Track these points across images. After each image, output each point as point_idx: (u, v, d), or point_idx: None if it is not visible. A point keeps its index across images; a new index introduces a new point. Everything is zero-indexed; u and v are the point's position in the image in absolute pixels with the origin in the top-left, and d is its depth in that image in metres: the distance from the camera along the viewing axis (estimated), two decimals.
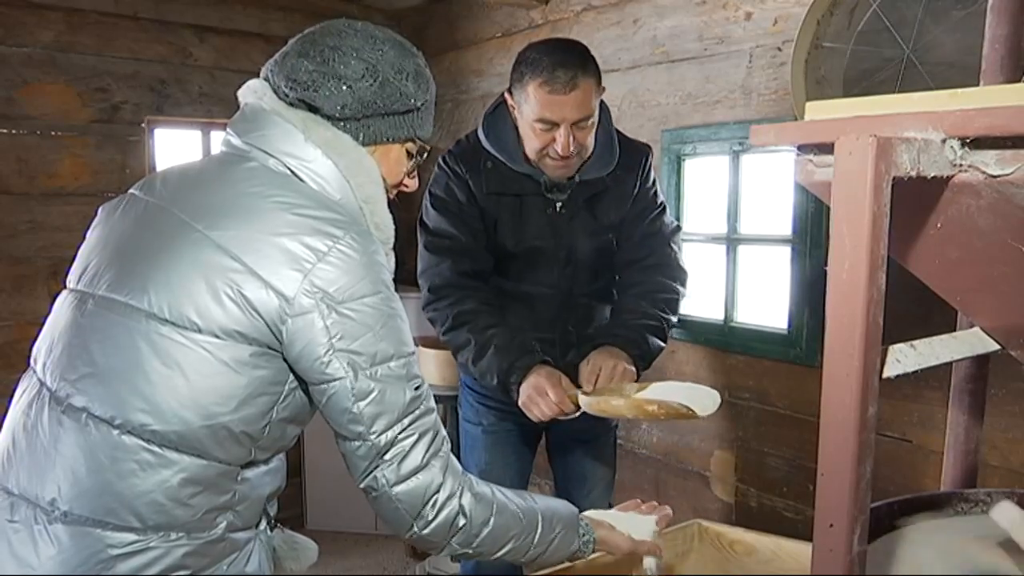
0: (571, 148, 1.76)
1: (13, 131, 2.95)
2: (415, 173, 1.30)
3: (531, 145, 1.81)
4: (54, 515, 1.04)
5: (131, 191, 1.21)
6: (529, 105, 1.75)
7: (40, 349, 1.14)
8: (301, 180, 1.14)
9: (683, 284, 1.98)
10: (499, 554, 1.22)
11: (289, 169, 1.14)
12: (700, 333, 2.59)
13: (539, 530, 1.24)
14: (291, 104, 1.17)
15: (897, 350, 0.89)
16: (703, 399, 1.58)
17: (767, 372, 2.41)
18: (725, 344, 2.53)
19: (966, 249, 0.89)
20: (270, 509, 1.25)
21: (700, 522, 1.70)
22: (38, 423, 1.08)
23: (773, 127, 0.87)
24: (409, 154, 1.26)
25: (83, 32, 3.05)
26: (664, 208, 2.04)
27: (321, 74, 1.14)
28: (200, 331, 1.04)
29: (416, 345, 2.83)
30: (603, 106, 1.89)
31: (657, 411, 1.54)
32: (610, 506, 2.29)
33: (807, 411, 2.30)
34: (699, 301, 2.62)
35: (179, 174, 1.20)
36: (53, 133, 3.03)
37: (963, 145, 0.76)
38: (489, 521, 1.18)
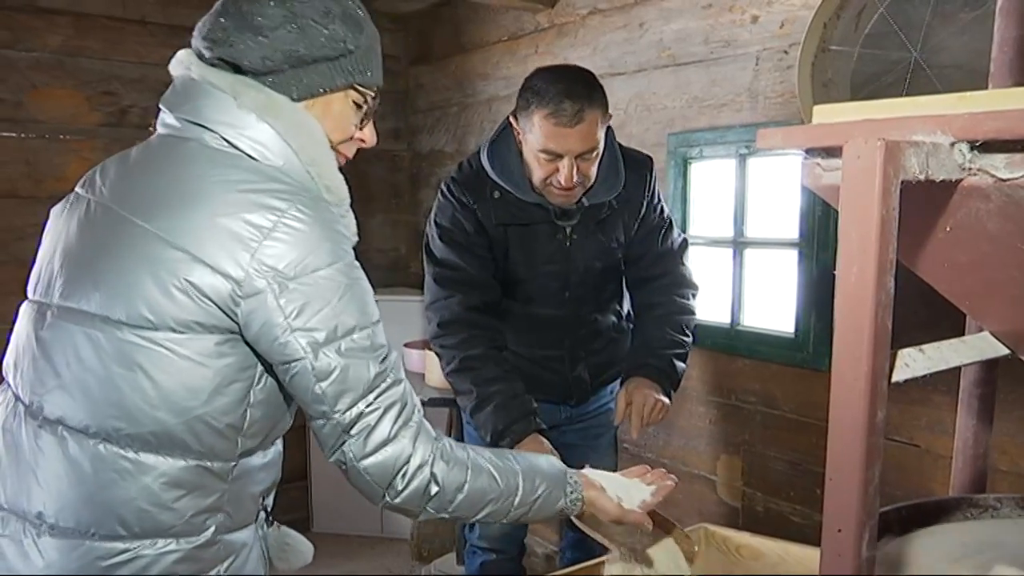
0: (574, 179, 1.75)
1: (21, 135, 2.96)
2: (371, 125, 1.22)
3: (536, 174, 1.80)
4: (42, 528, 1.04)
5: (75, 189, 1.18)
6: (534, 135, 1.74)
7: (9, 363, 1.13)
8: (240, 151, 1.09)
9: (695, 300, 2.04)
10: (479, 516, 1.20)
11: (226, 140, 1.09)
12: (706, 337, 2.58)
13: (520, 491, 1.21)
14: (214, 66, 1.11)
15: (906, 354, 0.89)
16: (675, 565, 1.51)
17: (773, 376, 2.40)
18: (731, 348, 2.52)
19: (975, 253, 0.88)
20: (267, 503, 1.24)
21: (706, 526, 1.70)
22: (18, 437, 1.07)
23: (780, 130, 0.86)
24: (357, 105, 1.17)
25: (91, 36, 3.07)
26: (671, 223, 2.06)
27: (236, 28, 1.08)
28: (156, 328, 1.02)
29: (423, 348, 2.84)
30: (608, 128, 1.87)
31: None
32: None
33: (814, 415, 2.29)
34: (705, 305, 2.61)
35: (117, 164, 1.15)
36: (61, 137, 3.04)
37: (972, 148, 0.76)
38: (463, 487, 1.15)
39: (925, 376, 0.93)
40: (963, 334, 1.15)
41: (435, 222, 1.92)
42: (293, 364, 1.04)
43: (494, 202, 1.86)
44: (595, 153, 1.77)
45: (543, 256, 1.92)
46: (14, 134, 2.95)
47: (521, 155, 1.83)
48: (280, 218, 1.02)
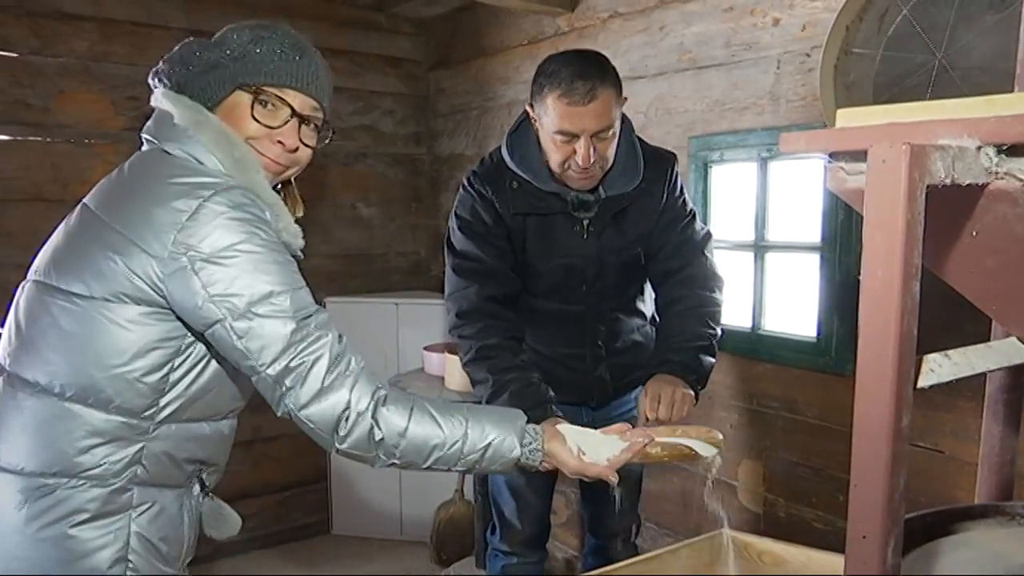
0: (591, 159, 1.75)
1: (48, 139, 3.00)
2: (290, 128, 1.33)
3: (553, 158, 1.80)
4: None
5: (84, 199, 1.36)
6: (549, 117, 1.75)
7: (4, 332, 1.33)
8: (180, 157, 1.27)
9: (721, 292, 1.99)
10: (429, 462, 1.28)
11: (167, 152, 1.28)
12: (727, 341, 2.57)
13: (467, 438, 1.28)
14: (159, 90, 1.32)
15: (931, 360, 0.88)
16: (704, 445, 1.55)
17: (795, 381, 2.39)
18: (753, 352, 2.51)
19: (1002, 257, 0.87)
20: (205, 478, 1.40)
21: (728, 532, 1.69)
22: None
23: (804, 134, 0.86)
24: (262, 103, 1.31)
25: (116, 42, 3.10)
26: (694, 215, 2.03)
27: (167, 61, 1.32)
28: (93, 297, 1.20)
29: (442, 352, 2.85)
30: (625, 119, 1.88)
31: (659, 453, 1.50)
32: (639, 517, 2.29)
33: (836, 420, 2.27)
34: (727, 309, 2.60)
35: (107, 177, 1.35)
36: (87, 141, 3.08)
37: (999, 152, 0.75)
38: (405, 431, 1.24)
39: (950, 381, 0.92)
40: (989, 339, 1.14)
41: (455, 214, 1.94)
42: (214, 327, 1.19)
43: (512, 192, 1.88)
44: (611, 132, 1.77)
45: (560, 247, 1.92)
46: (40, 138, 2.99)
47: (539, 144, 1.84)
48: (203, 203, 1.18)
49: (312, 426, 1.21)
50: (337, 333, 1.25)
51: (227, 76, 1.30)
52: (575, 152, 1.75)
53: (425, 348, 3.07)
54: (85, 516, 1.22)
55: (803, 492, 2.38)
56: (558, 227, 1.90)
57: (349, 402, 1.20)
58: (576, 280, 1.94)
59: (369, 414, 1.22)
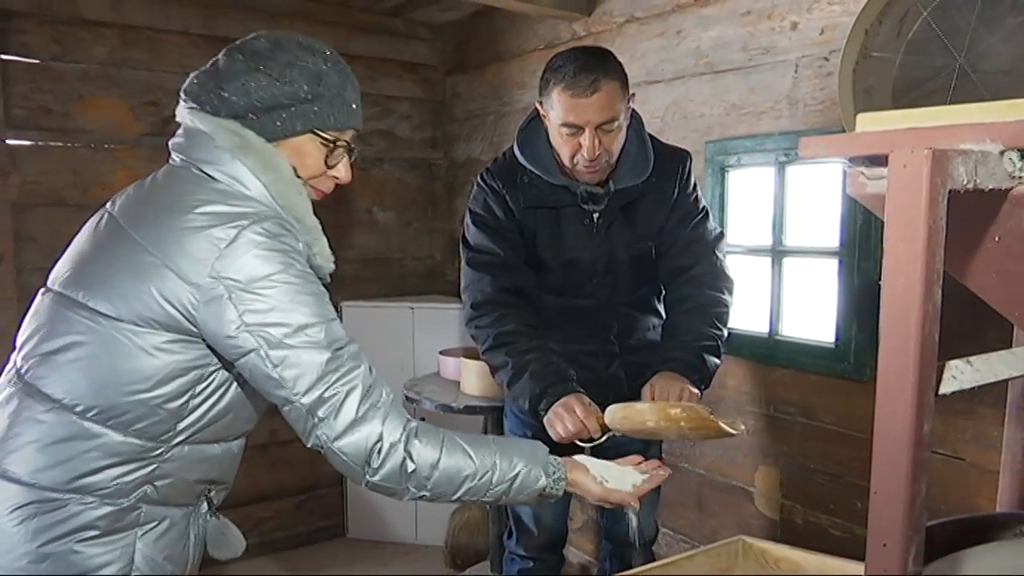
0: (596, 151, 1.77)
1: (68, 144, 3.03)
2: (344, 164, 1.36)
3: (563, 152, 1.83)
4: (3, 474, 1.21)
5: (107, 204, 1.34)
6: (555, 111, 1.79)
7: (20, 338, 1.31)
8: (218, 181, 1.25)
9: (731, 294, 1.97)
10: (459, 494, 1.28)
11: (206, 173, 1.25)
12: (744, 346, 2.56)
13: (496, 469, 1.29)
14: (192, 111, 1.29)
15: (953, 366, 0.87)
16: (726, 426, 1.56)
17: (813, 387, 2.37)
18: (770, 358, 2.50)
19: None
20: (213, 497, 1.39)
21: (744, 539, 1.68)
22: (4, 397, 1.26)
23: (824, 139, 0.85)
24: (325, 145, 1.31)
25: (136, 48, 3.13)
26: (707, 214, 2.03)
27: (206, 83, 1.28)
28: (122, 320, 1.18)
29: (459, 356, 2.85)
30: (635, 114, 1.91)
31: (680, 414, 1.53)
32: (656, 524, 2.29)
33: (855, 427, 2.25)
34: (743, 314, 2.59)
35: (135, 186, 1.33)
36: (106, 146, 3.11)
37: (1022, 157, 0.74)
38: (438, 463, 1.24)
39: (971, 388, 0.91)
40: (1010, 345, 1.12)
41: (469, 209, 1.99)
42: (248, 356, 1.18)
43: (523, 187, 1.92)
44: (616, 124, 1.79)
45: (570, 241, 1.94)
46: (61, 143, 3.02)
47: (549, 140, 1.88)
48: (240, 232, 1.17)
49: (344, 458, 1.20)
50: (368, 365, 1.25)
51: (300, 118, 1.28)
52: (581, 146, 1.78)
53: (441, 352, 3.08)
54: (93, 533, 1.21)
55: (820, 499, 2.36)
56: (568, 220, 1.93)
57: (382, 434, 1.20)
58: (586, 274, 1.96)
59: (402, 446, 1.21)
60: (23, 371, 1.25)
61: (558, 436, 1.70)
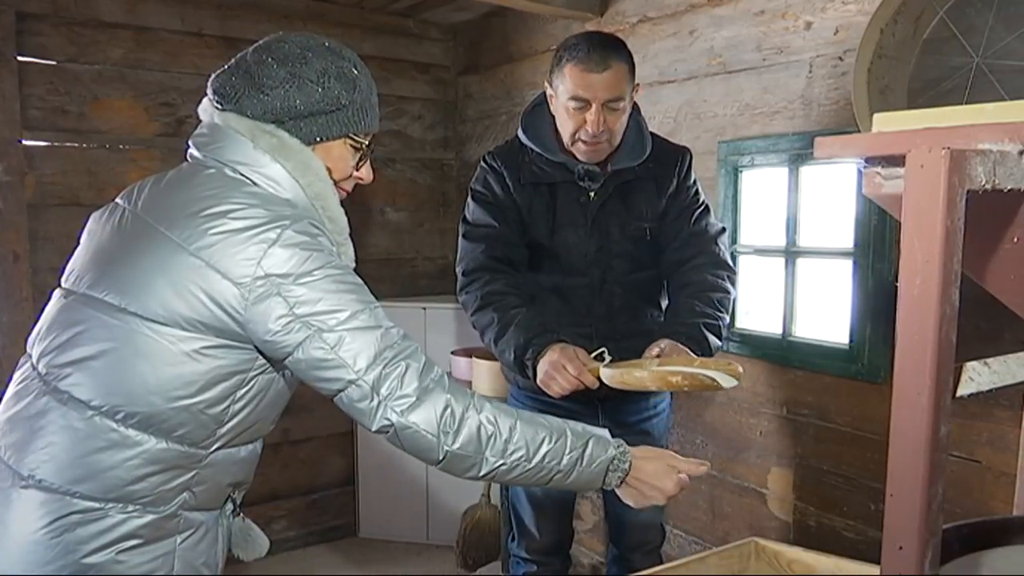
0: (601, 127, 1.85)
1: (84, 145, 3.06)
2: (367, 165, 1.40)
3: (565, 128, 1.91)
4: (29, 481, 1.18)
5: (116, 200, 1.33)
6: (564, 86, 1.87)
7: (34, 339, 1.28)
8: (255, 183, 1.25)
9: (732, 283, 2.01)
10: (536, 460, 1.24)
11: (242, 175, 1.25)
12: (758, 347, 2.55)
13: (568, 434, 1.28)
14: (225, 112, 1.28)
15: (971, 368, 0.87)
16: (725, 376, 1.60)
17: (827, 388, 2.36)
18: (784, 359, 2.48)
19: None
20: (236, 497, 1.38)
21: (757, 540, 1.67)
22: (27, 402, 1.22)
23: (839, 139, 0.85)
24: (355, 148, 1.35)
25: (151, 49, 3.15)
26: (708, 209, 2.07)
27: (243, 86, 1.26)
28: (166, 324, 1.17)
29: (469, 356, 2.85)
30: (636, 106, 1.99)
31: (680, 382, 1.54)
32: (663, 527, 2.28)
33: (869, 428, 2.24)
34: (757, 315, 2.58)
35: (153, 182, 1.32)
36: (121, 147, 3.13)
37: None
38: (516, 425, 1.23)
39: (989, 390, 0.90)
40: None
41: (470, 187, 2.07)
42: (302, 346, 1.17)
43: (522, 165, 2.00)
44: (621, 104, 1.87)
45: (565, 218, 1.99)
46: (77, 144, 3.04)
47: (552, 122, 1.96)
48: (282, 232, 1.17)
49: (417, 431, 1.18)
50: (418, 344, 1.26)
51: (337, 123, 1.30)
52: (586, 121, 1.85)
53: (453, 352, 3.08)
54: (136, 542, 1.20)
55: (834, 501, 2.35)
56: (564, 197, 1.99)
57: (449, 400, 1.20)
58: (579, 252, 1.99)
59: (474, 410, 1.21)
60: (49, 377, 1.21)
61: (556, 394, 1.74)
